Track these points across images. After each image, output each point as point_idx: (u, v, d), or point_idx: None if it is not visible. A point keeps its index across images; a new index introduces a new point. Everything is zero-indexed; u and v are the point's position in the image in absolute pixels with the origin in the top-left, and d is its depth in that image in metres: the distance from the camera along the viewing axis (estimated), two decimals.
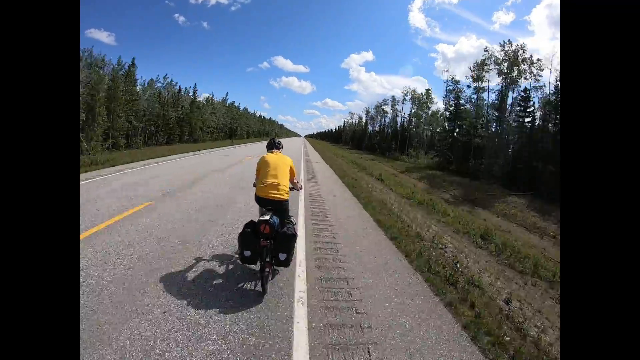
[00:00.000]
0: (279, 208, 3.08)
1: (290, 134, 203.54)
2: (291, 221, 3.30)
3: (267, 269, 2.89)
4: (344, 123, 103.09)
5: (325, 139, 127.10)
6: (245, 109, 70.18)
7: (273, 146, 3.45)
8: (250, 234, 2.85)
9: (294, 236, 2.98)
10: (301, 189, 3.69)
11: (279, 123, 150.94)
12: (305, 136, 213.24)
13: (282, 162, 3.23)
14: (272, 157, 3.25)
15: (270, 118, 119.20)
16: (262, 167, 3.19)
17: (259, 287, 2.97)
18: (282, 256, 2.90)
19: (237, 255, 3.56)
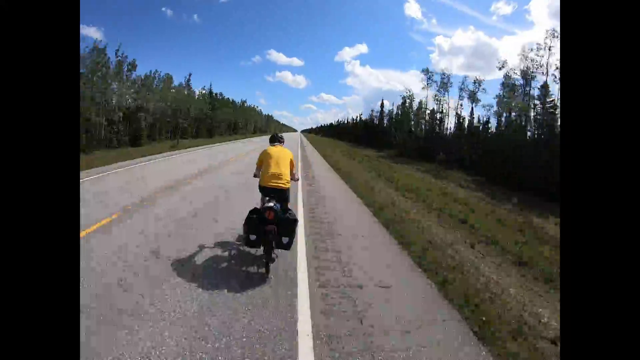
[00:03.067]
0: (281, 196, 3.38)
1: (285, 129, 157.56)
2: (290, 209, 3.53)
3: (272, 253, 3.13)
4: (383, 106, 52.18)
5: (332, 135, 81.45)
6: (166, 77, 30.31)
7: (275, 140, 3.83)
8: (256, 220, 3.10)
9: (295, 221, 3.25)
10: (298, 179, 4.01)
11: (264, 113, 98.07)
12: (302, 131, 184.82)
13: (283, 154, 3.57)
14: (274, 150, 3.58)
15: (245, 102, 68.65)
16: (265, 159, 3.51)
17: (262, 269, 3.17)
18: (285, 240, 3.12)
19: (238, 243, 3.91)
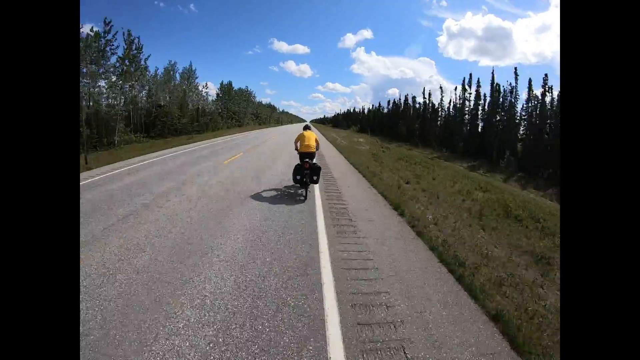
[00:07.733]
0: (311, 156, 6.39)
1: (285, 119, 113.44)
2: (315, 162, 6.39)
3: (307, 186, 6.15)
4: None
5: (363, 130, 56.11)
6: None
7: (307, 127, 6.96)
8: (300, 167, 6.08)
9: (320, 168, 6.28)
10: (318, 149, 6.86)
11: (255, 98, 65.42)
12: (312, 121, 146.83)
13: (312, 135, 6.69)
14: (306, 133, 6.66)
15: (228, 84, 48.61)
16: (301, 137, 6.60)
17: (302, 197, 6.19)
18: (315, 178, 6.15)
19: (283, 187, 7.07)
